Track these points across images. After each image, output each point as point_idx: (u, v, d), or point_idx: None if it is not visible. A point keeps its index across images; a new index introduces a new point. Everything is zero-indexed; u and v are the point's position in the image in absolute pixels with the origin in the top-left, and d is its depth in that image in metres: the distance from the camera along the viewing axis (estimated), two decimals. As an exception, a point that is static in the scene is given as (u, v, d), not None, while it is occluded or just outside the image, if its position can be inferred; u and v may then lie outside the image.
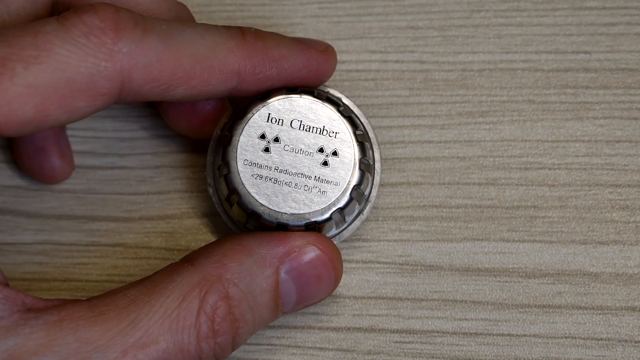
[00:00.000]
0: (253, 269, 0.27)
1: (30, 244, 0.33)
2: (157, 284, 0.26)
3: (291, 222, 0.29)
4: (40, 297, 0.32)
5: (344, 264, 0.33)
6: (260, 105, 0.29)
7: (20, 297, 0.25)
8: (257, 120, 0.29)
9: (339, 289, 0.32)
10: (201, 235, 0.33)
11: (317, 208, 0.29)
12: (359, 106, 0.32)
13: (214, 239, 0.33)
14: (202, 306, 0.26)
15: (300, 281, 0.28)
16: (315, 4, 0.35)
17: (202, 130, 0.32)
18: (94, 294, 0.33)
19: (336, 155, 0.29)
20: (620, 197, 0.33)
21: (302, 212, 0.29)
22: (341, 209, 0.29)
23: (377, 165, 0.31)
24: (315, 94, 0.29)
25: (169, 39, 0.26)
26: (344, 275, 0.32)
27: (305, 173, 0.29)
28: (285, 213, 0.29)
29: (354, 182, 0.29)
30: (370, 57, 0.35)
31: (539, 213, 0.33)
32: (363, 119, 0.31)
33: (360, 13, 0.35)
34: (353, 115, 0.30)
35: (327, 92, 0.30)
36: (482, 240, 0.33)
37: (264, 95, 0.29)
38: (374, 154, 0.31)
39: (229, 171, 0.29)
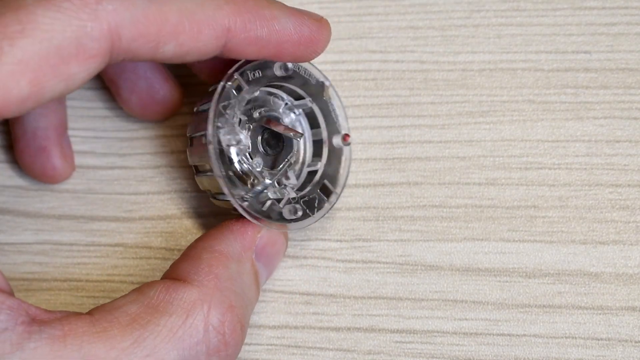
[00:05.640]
0: (238, 269, 0.28)
1: (30, 244, 0.33)
2: (157, 303, 0.26)
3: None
4: (41, 297, 0.33)
5: (345, 264, 0.33)
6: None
7: (24, 308, 0.25)
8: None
9: (339, 289, 0.32)
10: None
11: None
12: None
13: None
14: (208, 321, 0.26)
15: (269, 262, 0.30)
16: (315, 4, 0.35)
17: (158, 116, 0.33)
18: (94, 294, 0.33)
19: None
20: (620, 197, 0.33)
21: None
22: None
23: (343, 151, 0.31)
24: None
25: None
26: (344, 275, 0.33)
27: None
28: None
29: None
30: (371, 57, 0.35)
31: (539, 213, 0.33)
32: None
33: (360, 13, 0.35)
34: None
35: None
36: (482, 240, 0.33)
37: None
38: (329, 140, 0.31)
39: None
